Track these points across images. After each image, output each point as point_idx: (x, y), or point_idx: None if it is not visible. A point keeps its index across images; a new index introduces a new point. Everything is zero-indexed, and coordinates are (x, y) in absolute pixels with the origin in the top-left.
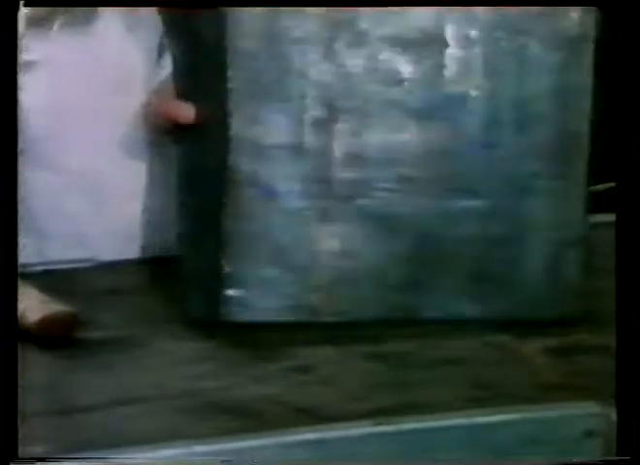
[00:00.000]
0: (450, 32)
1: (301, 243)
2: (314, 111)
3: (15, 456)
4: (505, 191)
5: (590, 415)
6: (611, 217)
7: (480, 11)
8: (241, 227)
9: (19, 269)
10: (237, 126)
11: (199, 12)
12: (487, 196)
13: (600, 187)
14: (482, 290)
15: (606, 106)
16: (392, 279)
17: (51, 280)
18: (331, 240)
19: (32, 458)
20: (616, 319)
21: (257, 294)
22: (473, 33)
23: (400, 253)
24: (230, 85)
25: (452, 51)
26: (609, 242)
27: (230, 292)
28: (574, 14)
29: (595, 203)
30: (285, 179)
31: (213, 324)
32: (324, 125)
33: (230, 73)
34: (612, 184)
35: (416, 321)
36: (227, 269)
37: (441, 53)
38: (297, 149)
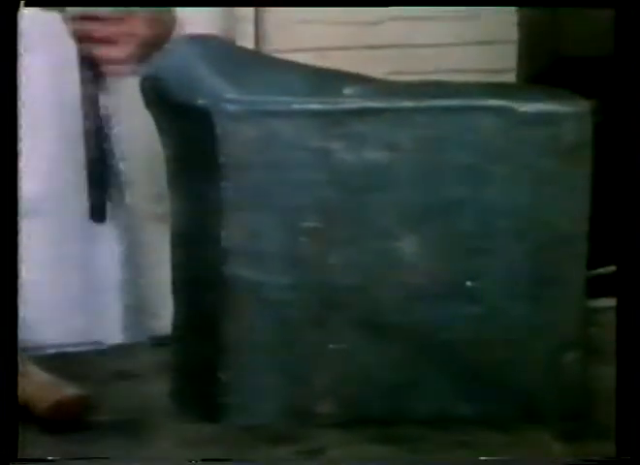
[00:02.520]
0: (444, 136)
1: (297, 350)
2: (308, 220)
3: (15, 456)
4: (502, 296)
5: None
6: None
7: (476, 118)
8: (237, 334)
9: (31, 352)
10: (232, 235)
11: (193, 123)
12: (483, 301)
13: (602, 271)
14: (479, 392)
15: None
16: (388, 382)
17: (62, 363)
18: (326, 345)
19: (32, 459)
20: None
21: (253, 399)
22: (469, 138)
23: (396, 357)
24: (223, 196)
25: (446, 156)
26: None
27: (225, 397)
28: (570, 122)
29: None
30: (281, 288)
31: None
32: (319, 233)
33: (222, 183)
34: (613, 268)
35: (412, 421)
36: (223, 375)
37: (437, 157)
38: (292, 258)
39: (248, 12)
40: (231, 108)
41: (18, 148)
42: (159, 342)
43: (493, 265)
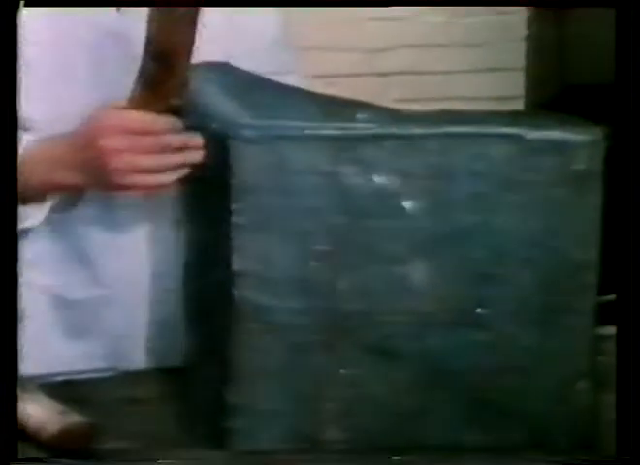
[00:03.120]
0: (454, 165)
1: (305, 374)
2: (319, 245)
3: (15, 456)
4: (511, 323)
5: None
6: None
7: (486, 145)
8: (246, 358)
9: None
10: (241, 260)
11: (207, 147)
12: (493, 329)
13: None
14: (488, 420)
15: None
16: (396, 409)
17: (72, 390)
18: (335, 371)
19: (32, 458)
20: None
21: (262, 424)
22: (479, 165)
23: (405, 383)
24: (235, 219)
25: (457, 184)
26: None
27: (234, 422)
28: (581, 149)
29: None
30: (290, 312)
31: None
32: (328, 258)
33: (234, 206)
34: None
35: (420, 448)
36: (231, 400)
37: (447, 184)
38: (301, 282)
39: None
40: (245, 132)
41: (18, 150)
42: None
43: (503, 293)
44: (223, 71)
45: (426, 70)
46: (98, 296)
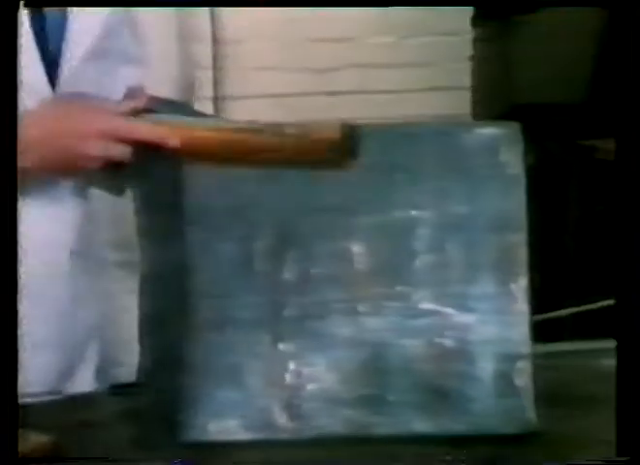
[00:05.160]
0: (395, 158)
1: (256, 364)
2: (266, 240)
3: (15, 456)
4: (451, 306)
5: None
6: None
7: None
8: (198, 351)
9: None
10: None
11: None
12: (434, 312)
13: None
14: (435, 405)
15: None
16: (346, 396)
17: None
18: (285, 360)
19: (32, 458)
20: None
21: (215, 415)
22: (418, 162)
23: (354, 370)
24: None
25: (397, 177)
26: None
27: (188, 414)
28: (505, 148)
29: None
30: (240, 304)
31: (174, 446)
32: (276, 252)
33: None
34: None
35: (371, 438)
36: (184, 393)
37: (387, 180)
38: (250, 276)
39: (207, 58)
40: None
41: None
42: (121, 390)
43: (439, 278)
44: (174, 105)
45: (373, 89)
46: None
